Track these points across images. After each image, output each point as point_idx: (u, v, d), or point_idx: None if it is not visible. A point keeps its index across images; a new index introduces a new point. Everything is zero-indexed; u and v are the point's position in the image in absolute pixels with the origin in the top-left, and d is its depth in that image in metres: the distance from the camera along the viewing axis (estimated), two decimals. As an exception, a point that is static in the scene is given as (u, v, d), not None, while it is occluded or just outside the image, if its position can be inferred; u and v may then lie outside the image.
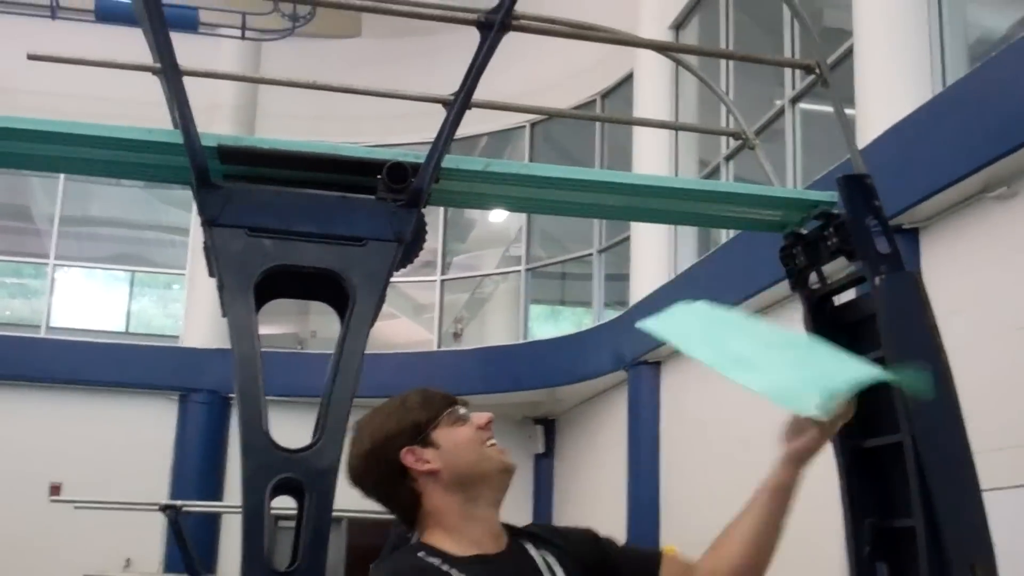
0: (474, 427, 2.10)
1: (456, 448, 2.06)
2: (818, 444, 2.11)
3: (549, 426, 14.96)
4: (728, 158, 10.67)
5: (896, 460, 2.63)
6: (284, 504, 2.62)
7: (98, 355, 14.43)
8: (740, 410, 9.31)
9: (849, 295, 2.77)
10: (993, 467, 3.90)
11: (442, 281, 15.33)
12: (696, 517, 9.99)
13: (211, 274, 2.70)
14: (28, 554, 13.41)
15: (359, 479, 2.14)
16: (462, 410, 2.12)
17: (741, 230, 8.11)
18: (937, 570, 2.49)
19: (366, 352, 2.51)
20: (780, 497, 2.15)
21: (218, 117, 14.29)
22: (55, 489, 12.32)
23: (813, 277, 2.73)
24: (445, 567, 1.96)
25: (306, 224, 2.57)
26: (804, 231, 2.76)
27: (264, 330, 2.60)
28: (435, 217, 14.82)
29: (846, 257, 2.62)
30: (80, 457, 13.75)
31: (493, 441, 2.11)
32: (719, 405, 9.75)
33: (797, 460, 2.12)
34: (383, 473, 2.09)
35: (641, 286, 11.54)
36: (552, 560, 2.04)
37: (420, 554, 2.01)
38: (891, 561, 2.70)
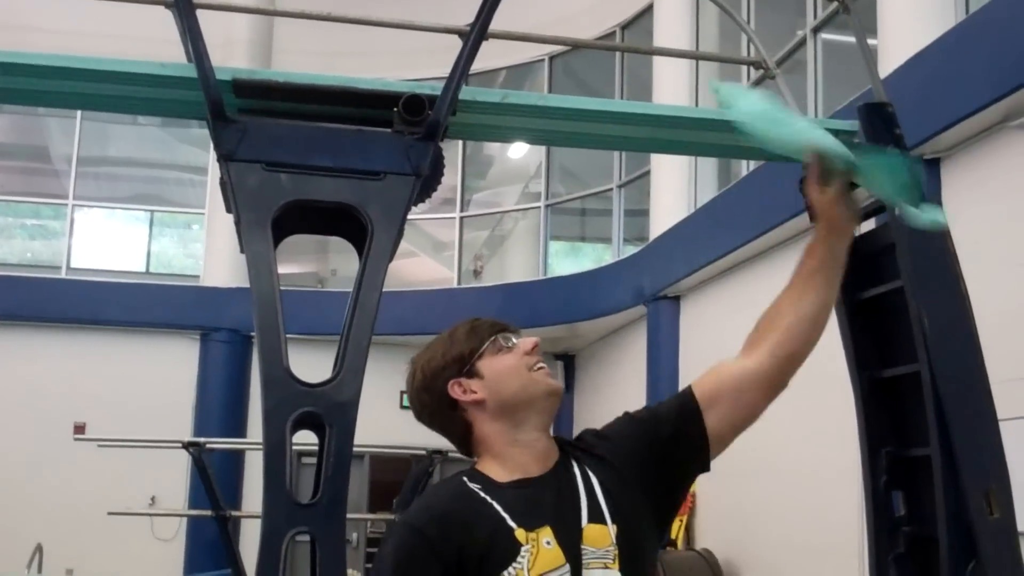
0: (519, 353, 2.12)
1: (499, 376, 2.09)
2: (842, 199, 2.15)
3: (569, 362, 15.01)
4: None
5: (913, 390, 2.63)
6: (306, 440, 2.65)
7: (119, 295, 14.51)
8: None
9: (868, 225, 2.75)
10: (1010, 396, 3.90)
11: (461, 218, 15.30)
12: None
13: (228, 210, 2.70)
14: (54, 493, 13.64)
15: (418, 414, 2.19)
16: (507, 338, 2.14)
17: (761, 161, 8.06)
18: (953, 498, 2.50)
19: (386, 290, 2.51)
20: (827, 269, 2.21)
21: (233, 53, 14.19)
22: (79, 429, 12.46)
23: (832, 208, 2.71)
24: (483, 493, 2.00)
25: (323, 158, 2.56)
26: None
27: (283, 269, 2.61)
28: (453, 153, 14.77)
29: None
30: (103, 397, 13.91)
31: (541, 365, 2.13)
32: (738, 339, 9.75)
33: (830, 221, 2.17)
34: (436, 406, 2.13)
35: (661, 221, 11.50)
36: (593, 475, 2.04)
37: (464, 479, 2.05)
38: (907, 489, 2.71)
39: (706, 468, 2.15)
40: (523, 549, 1.91)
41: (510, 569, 1.89)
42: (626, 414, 2.16)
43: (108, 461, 11.83)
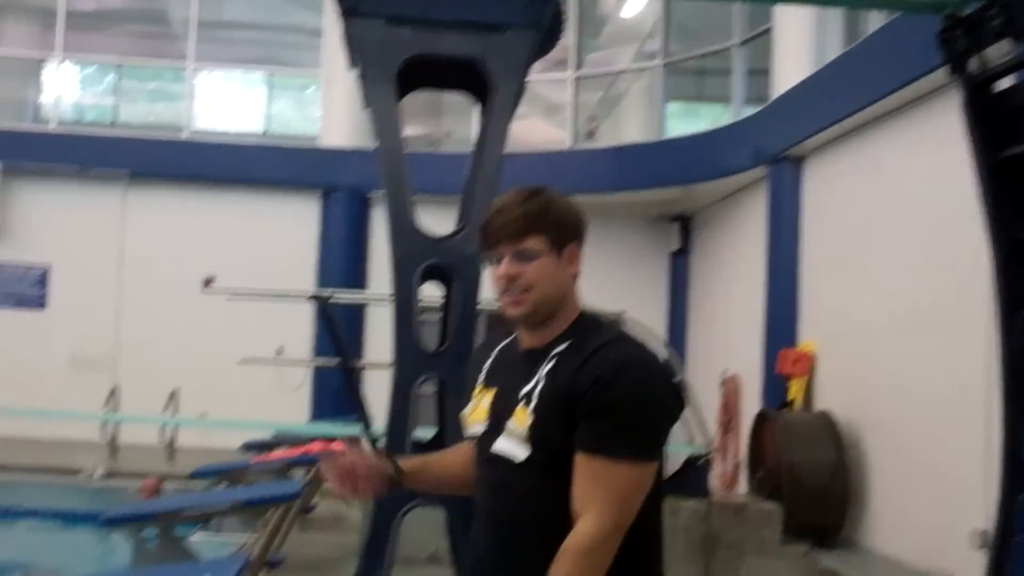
0: (495, 277, 2.22)
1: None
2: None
3: (685, 223, 14.88)
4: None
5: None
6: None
7: (241, 156, 14.87)
8: (887, 207, 9.09)
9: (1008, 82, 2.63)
10: None
11: (576, 78, 15.08)
12: (837, 315, 9.94)
13: (352, 65, 2.72)
14: (188, 343, 14.27)
15: None
16: (490, 257, 2.22)
17: (895, 11, 7.71)
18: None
19: (498, 152, 2.52)
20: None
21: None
22: (208, 282, 12.88)
23: (973, 62, 2.60)
24: (497, 348, 2.31)
25: (444, 11, 2.55)
26: (965, 12, 2.60)
27: (406, 121, 2.62)
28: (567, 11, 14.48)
29: (1012, 39, 2.48)
30: (230, 254, 14.36)
31: (505, 292, 2.20)
32: (864, 203, 9.52)
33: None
34: None
35: (783, 80, 11.15)
36: (543, 382, 2.13)
37: (509, 335, 2.31)
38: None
39: None
40: (473, 399, 2.26)
41: (467, 408, 2.26)
42: (594, 388, 2.08)
43: (237, 314, 12.31)
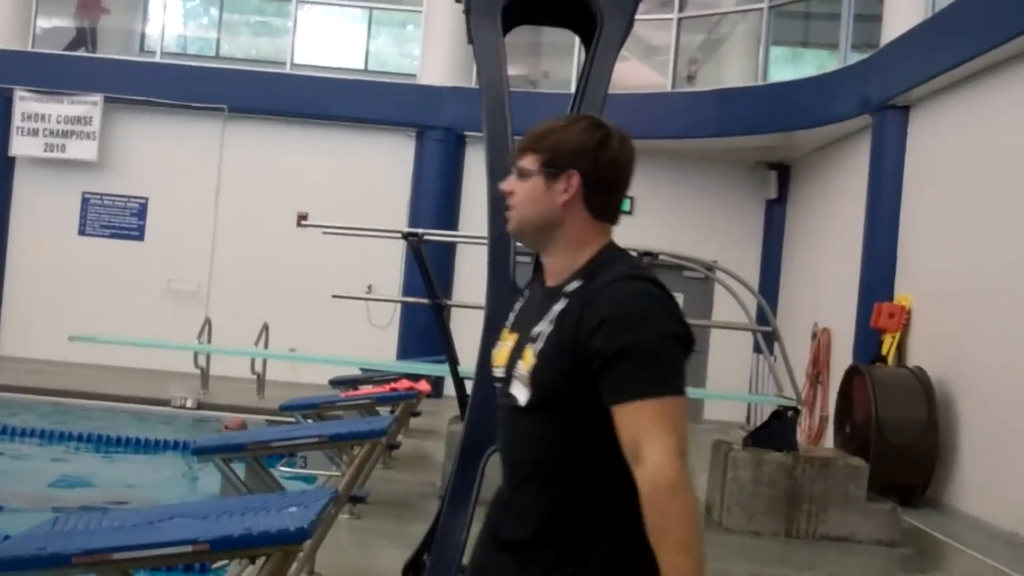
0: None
1: None
2: None
3: (784, 172, 14.59)
4: None
5: None
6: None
7: (341, 91, 14.93)
8: (996, 160, 8.77)
9: None
10: None
11: (679, 20, 14.77)
12: (936, 269, 9.68)
13: (456, -1, 2.65)
14: (279, 277, 14.51)
15: None
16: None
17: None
18: None
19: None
20: None
21: None
22: (302, 217, 13.02)
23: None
24: (529, 287, 2.26)
25: (553, -57, 2.47)
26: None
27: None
28: (672, -49, 14.20)
29: None
30: (324, 189, 14.51)
31: (508, 208, 2.14)
32: (972, 155, 9.21)
33: None
34: None
35: (894, 25, 10.78)
36: (552, 324, 2.04)
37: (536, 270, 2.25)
38: None
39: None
40: (499, 342, 2.20)
41: (495, 350, 2.20)
42: (601, 332, 1.96)
43: (328, 250, 12.44)
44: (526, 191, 2.09)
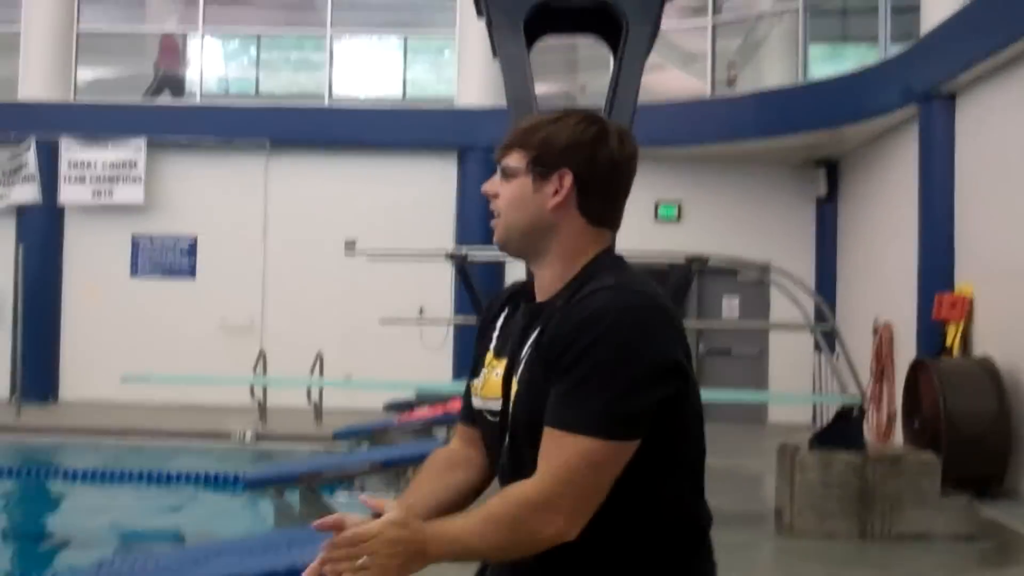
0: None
1: None
2: None
3: (832, 168, 14.40)
4: None
5: None
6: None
7: (379, 120, 15.09)
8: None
9: None
10: None
11: (714, 26, 14.67)
12: (995, 255, 9.47)
13: (479, 13, 2.62)
14: (330, 306, 14.57)
15: None
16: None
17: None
18: None
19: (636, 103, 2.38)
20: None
21: None
22: (349, 245, 13.08)
23: None
24: (512, 303, 1.96)
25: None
26: None
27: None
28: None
29: None
30: (369, 215, 14.56)
31: (493, 212, 1.94)
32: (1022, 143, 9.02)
33: None
34: None
35: (933, 14, 10.60)
36: (532, 347, 1.79)
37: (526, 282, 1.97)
38: None
39: None
40: (483, 371, 1.91)
41: (476, 380, 1.93)
42: (571, 349, 1.70)
43: (378, 275, 12.50)
44: (511, 193, 1.86)
